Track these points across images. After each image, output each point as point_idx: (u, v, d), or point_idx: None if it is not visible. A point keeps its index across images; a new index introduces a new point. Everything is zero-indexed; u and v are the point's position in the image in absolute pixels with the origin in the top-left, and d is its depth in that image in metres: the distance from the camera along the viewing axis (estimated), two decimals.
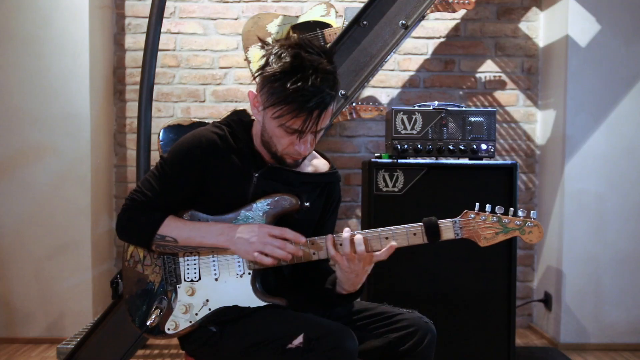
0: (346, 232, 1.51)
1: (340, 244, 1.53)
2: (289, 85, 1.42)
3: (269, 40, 3.08)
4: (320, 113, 1.46)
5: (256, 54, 3.07)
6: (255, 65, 3.01)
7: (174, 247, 1.56)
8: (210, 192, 1.59)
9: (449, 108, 2.69)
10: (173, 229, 1.55)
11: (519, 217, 1.54)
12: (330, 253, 1.53)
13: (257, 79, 1.51)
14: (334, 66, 1.49)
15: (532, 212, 1.55)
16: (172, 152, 1.59)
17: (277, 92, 1.45)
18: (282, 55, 1.46)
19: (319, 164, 1.72)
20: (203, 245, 1.55)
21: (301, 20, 3.13)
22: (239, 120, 1.63)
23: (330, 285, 1.61)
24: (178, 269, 1.60)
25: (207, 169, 1.57)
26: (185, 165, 1.56)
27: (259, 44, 3.08)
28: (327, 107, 1.47)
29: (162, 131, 2.32)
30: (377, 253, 1.51)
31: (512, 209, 1.56)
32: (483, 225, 1.54)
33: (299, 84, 1.42)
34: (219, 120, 1.66)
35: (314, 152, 1.73)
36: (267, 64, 1.48)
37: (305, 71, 1.43)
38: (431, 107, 2.70)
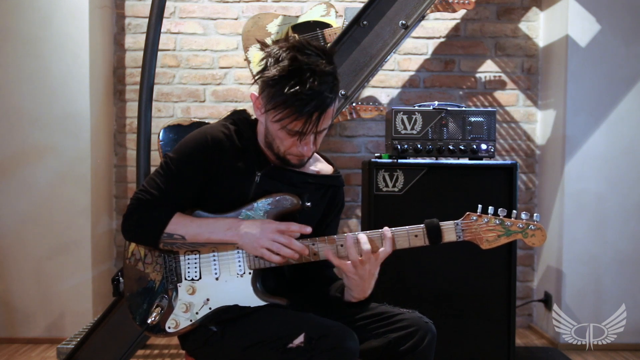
0: (349, 238, 1.51)
1: (342, 245, 1.53)
2: (286, 89, 1.42)
3: (268, 40, 3.08)
4: (319, 115, 1.46)
5: (256, 54, 3.07)
6: (255, 66, 3.03)
7: (182, 245, 1.56)
8: (213, 190, 1.59)
9: (449, 108, 2.69)
10: (181, 226, 1.55)
11: (522, 219, 1.53)
12: (334, 262, 1.53)
13: (258, 82, 1.51)
14: (333, 67, 1.48)
15: (535, 215, 1.54)
16: (178, 150, 1.58)
17: (276, 96, 1.45)
18: (280, 58, 1.45)
19: (322, 167, 1.72)
20: (211, 241, 1.55)
21: (301, 20, 3.13)
22: (244, 119, 1.63)
23: (339, 293, 1.62)
24: (179, 268, 1.60)
25: (212, 167, 1.56)
26: (192, 163, 1.56)
27: (259, 44, 3.08)
28: (327, 109, 1.46)
29: (162, 131, 2.31)
30: (382, 249, 1.51)
31: (514, 211, 1.56)
32: (485, 227, 1.54)
33: (297, 87, 1.41)
34: (224, 118, 1.66)
35: (318, 156, 1.74)
36: (266, 66, 1.48)
37: (303, 74, 1.42)
38: (431, 107, 2.70)
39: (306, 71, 1.43)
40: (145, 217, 1.56)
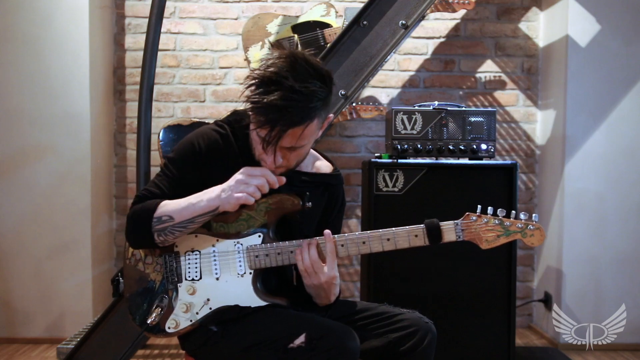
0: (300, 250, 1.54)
1: (342, 245, 1.55)
2: (253, 94, 1.44)
3: (268, 40, 3.08)
4: (281, 130, 1.43)
5: (256, 54, 3.07)
6: (254, 66, 3.03)
7: (172, 227, 1.53)
8: None
9: (449, 108, 2.69)
10: (168, 208, 1.53)
11: (521, 220, 1.55)
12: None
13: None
14: (316, 89, 1.44)
15: (534, 215, 1.56)
16: (175, 152, 1.60)
17: (248, 96, 1.46)
18: (270, 64, 1.45)
19: (321, 165, 1.72)
20: (197, 214, 1.52)
21: (301, 20, 3.13)
22: (240, 120, 1.64)
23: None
24: (179, 268, 1.60)
25: (210, 167, 1.58)
26: (190, 163, 1.58)
27: (259, 44, 3.08)
28: (290, 128, 1.43)
29: (162, 131, 2.32)
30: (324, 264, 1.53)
31: (513, 211, 1.57)
32: (485, 227, 1.54)
33: (260, 97, 1.42)
34: (220, 119, 1.67)
35: (317, 154, 1.74)
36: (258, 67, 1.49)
37: (273, 86, 1.41)
38: (431, 107, 2.70)
39: (279, 84, 1.41)
40: (138, 209, 1.55)
